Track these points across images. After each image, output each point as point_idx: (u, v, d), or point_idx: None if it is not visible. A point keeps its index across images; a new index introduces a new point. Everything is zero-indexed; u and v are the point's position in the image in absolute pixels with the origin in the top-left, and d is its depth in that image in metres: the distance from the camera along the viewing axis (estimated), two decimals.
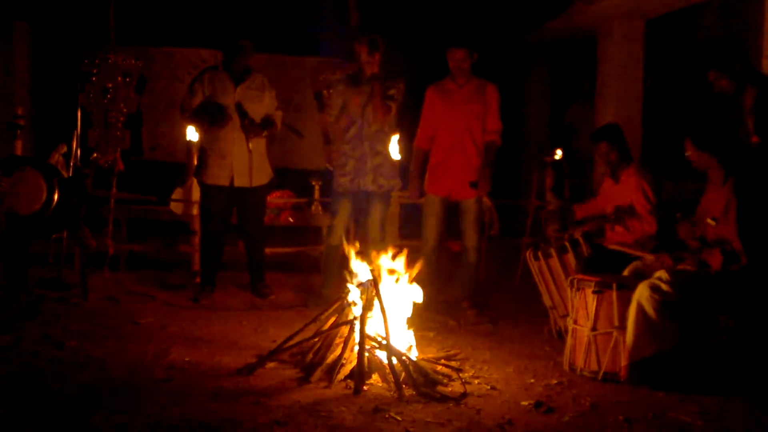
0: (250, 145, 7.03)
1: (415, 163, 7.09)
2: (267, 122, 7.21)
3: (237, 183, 7.17)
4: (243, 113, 7.05)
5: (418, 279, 5.47)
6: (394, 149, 7.39)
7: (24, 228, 6.70)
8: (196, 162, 7.69)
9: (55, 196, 6.72)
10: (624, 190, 6.26)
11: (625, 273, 5.58)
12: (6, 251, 6.76)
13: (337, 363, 4.95)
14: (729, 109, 6.34)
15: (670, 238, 5.62)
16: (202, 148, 7.31)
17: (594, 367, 5.20)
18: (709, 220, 5.22)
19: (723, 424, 4.35)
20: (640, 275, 5.34)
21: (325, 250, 7.33)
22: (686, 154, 5.34)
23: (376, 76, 6.95)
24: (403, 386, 4.69)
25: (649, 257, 5.45)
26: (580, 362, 5.29)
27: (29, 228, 6.74)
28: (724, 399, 4.71)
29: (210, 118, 7.08)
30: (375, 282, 5.12)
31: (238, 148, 7.12)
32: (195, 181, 7.73)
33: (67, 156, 7.79)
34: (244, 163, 7.10)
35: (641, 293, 4.99)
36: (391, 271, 5.35)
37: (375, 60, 6.95)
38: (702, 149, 5.23)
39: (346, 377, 4.89)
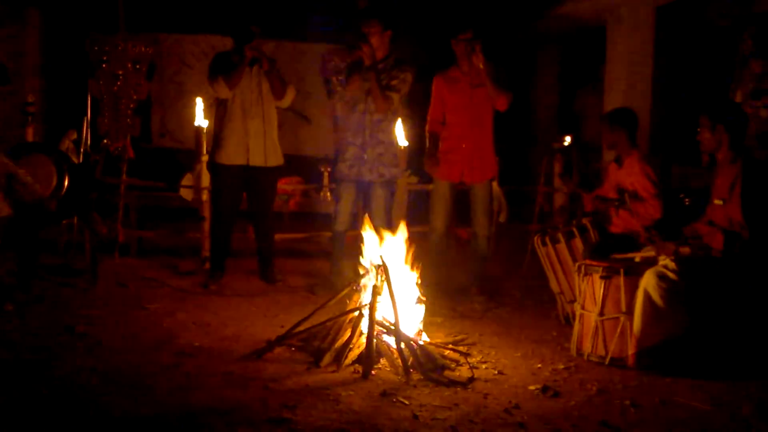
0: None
1: (431, 142, 7.09)
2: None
3: (252, 162, 7.19)
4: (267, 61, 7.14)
5: (425, 265, 5.50)
6: (401, 135, 7.38)
7: (34, 214, 6.73)
8: (205, 148, 7.71)
9: (66, 183, 6.73)
10: (627, 174, 6.24)
11: (636, 260, 5.57)
12: (16, 237, 6.79)
13: (346, 348, 4.98)
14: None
15: (675, 223, 5.63)
16: (218, 127, 7.32)
17: (601, 352, 5.22)
18: (716, 201, 5.23)
19: (731, 409, 4.36)
20: (649, 261, 5.34)
21: (333, 236, 7.34)
22: (700, 133, 5.33)
23: (373, 66, 6.92)
24: (411, 371, 4.72)
25: (653, 253, 5.41)
26: (587, 347, 5.31)
27: (39, 214, 6.76)
28: (732, 384, 4.73)
29: (225, 70, 7.12)
30: (385, 268, 5.14)
31: (254, 128, 7.16)
32: (205, 167, 7.75)
33: (78, 143, 7.83)
34: (260, 142, 7.17)
35: (648, 281, 5.00)
36: (400, 256, 5.37)
37: (367, 52, 6.89)
38: (716, 124, 5.23)
39: (355, 362, 4.92)
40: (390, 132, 7.07)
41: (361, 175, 7.05)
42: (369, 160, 7.03)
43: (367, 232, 5.49)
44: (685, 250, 5.07)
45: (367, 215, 6.14)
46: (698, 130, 5.36)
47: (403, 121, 7.13)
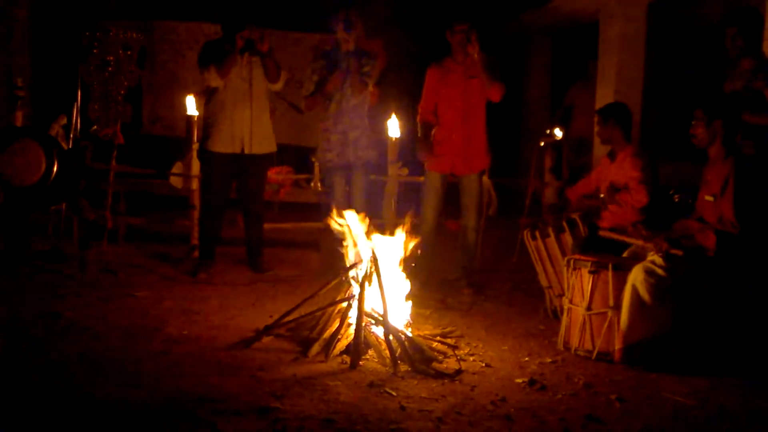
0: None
1: (422, 131, 7.12)
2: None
3: (243, 150, 7.17)
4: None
5: (415, 257, 5.50)
6: (393, 127, 7.41)
7: (23, 199, 6.71)
8: (196, 136, 7.69)
9: (55, 168, 6.72)
10: (620, 169, 6.25)
11: (624, 255, 5.59)
12: (5, 223, 6.78)
13: (334, 338, 4.99)
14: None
15: (664, 219, 5.63)
16: (208, 116, 7.29)
17: (588, 346, 5.23)
18: (707, 197, 5.23)
19: (715, 404, 4.39)
20: (637, 256, 5.36)
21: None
22: (693, 127, 5.29)
23: (352, 53, 7.14)
24: (399, 362, 4.73)
25: (642, 242, 5.41)
26: (574, 341, 5.32)
27: (28, 199, 6.75)
28: (717, 380, 4.74)
29: (216, 59, 7.09)
30: (374, 259, 5.14)
31: (245, 116, 7.15)
32: (195, 155, 7.73)
33: (67, 128, 7.80)
34: (251, 130, 7.19)
35: (636, 276, 5.01)
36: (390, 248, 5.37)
37: (351, 37, 7.16)
38: (713, 119, 5.21)
39: (343, 352, 4.93)
40: (363, 117, 7.31)
41: (347, 158, 7.22)
42: (350, 143, 7.23)
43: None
44: (677, 252, 5.06)
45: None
46: (692, 123, 5.31)
47: (395, 113, 7.16)
